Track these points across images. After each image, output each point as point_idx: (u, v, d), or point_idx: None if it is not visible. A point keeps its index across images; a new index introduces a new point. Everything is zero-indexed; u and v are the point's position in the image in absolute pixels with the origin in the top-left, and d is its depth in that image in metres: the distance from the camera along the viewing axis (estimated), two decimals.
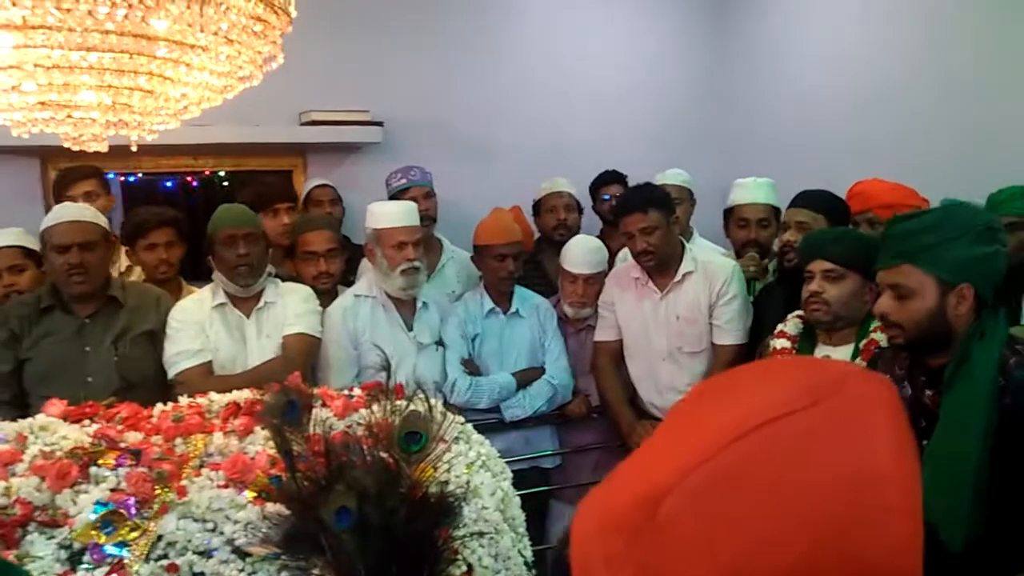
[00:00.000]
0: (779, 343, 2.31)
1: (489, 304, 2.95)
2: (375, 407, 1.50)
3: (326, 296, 2.81)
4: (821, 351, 2.24)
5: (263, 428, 1.54)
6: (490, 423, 2.81)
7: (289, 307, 2.62)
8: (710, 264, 2.84)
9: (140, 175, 3.83)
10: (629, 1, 4.35)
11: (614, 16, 4.32)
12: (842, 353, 2.19)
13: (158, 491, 1.41)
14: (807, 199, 2.70)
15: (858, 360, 2.12)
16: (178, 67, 1.49)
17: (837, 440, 0.52)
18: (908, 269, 1.65)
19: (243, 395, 1.75)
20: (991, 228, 1.62)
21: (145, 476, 1.42)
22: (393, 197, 3.24)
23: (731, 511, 0.51)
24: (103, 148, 1.71)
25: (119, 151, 1.92)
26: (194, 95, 1.62)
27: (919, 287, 1.64)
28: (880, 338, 2.10)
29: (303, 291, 2.70)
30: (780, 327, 2.35)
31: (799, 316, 2.28)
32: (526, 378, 2.92)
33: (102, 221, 2.54)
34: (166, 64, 1.47)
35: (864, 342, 2.14)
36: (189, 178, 4.07)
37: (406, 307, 2.82)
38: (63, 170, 3.19)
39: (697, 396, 0.65)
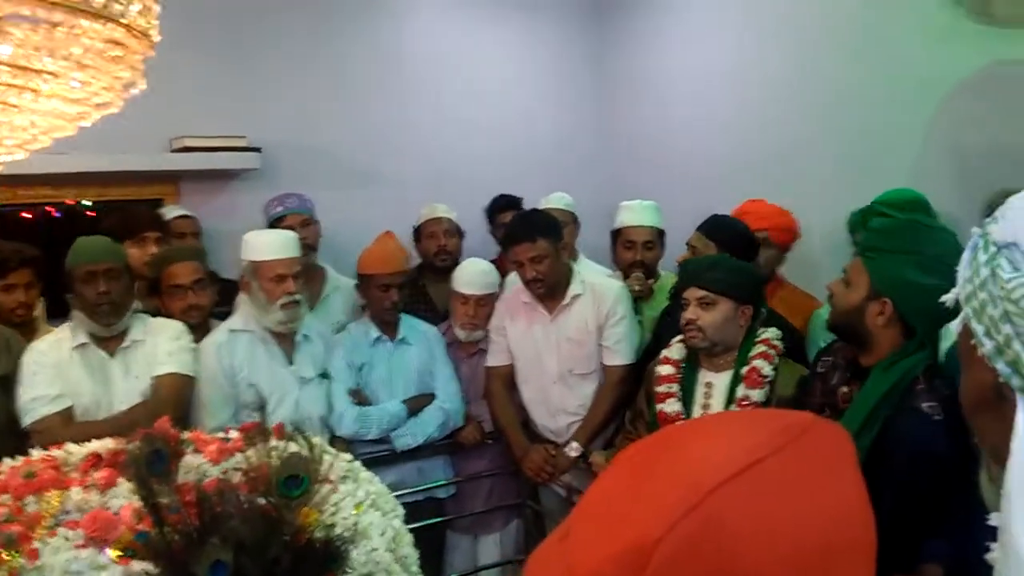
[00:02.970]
0: (664, 369, 2.32)
1: (376, 332, 2.89)
2: (252, 450, 1.43)
3: (197, 330, 2.64)
4: (704, 377, 2.27)
5: (127, 480, 1.43)
6: (383, 455, 2.74)
7: (160, 345, 2.45)
8: (598, 286, 2.88)
9: None
10: (512, 30, 4.40)
11: (498, 44, 4.35)
12: (723, 378, 2.23)
13: (6, 556, 1.28)
14: (709, 226, 2.67)
15: (740, 386, 2.17)
16: (23, 94, 1.37)
17: (812, 480, 0.57)
18: (858, 262, 1.76)
19: (105, 444, 1.62)
20: (936, 259, 1.57)
21: None
22: (271, 225, 3.13)
23: (724, 555, 0.52)
24: None
25: None
26: (43, 124, 1.50)
27: (855, 280, 1.75)
28: (761, 365, 2.16)
29: (174, 327, 2.53)
30: (665, 352, 2.37)
31: (682, 341, 2.31)
32: (416, 405, 2.87)
33: None
34: (9, 91, 1.35)
35: (746, 369, 2.18)
36: (50, 208, 3.80)
37: (286, 340, 2.71)
38: None
39: (653, 446, 0.65)
